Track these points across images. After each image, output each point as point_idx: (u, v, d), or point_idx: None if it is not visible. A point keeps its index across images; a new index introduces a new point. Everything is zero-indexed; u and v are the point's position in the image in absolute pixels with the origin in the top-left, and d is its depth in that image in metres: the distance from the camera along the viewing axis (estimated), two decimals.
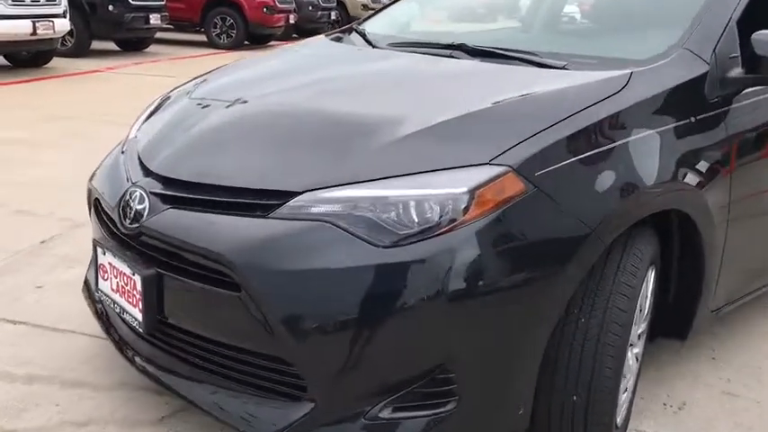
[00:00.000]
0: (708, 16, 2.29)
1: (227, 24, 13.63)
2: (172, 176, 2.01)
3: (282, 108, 2.20)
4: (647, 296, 2.13)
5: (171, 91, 2.75)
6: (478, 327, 1.72)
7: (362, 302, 1.67)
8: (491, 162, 1.76)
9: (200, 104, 2.39)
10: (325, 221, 1.73)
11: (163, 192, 1.98)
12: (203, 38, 14.23)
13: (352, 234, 1.70)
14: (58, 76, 9.21)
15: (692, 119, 2.14)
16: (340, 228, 1.71)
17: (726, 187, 2.22)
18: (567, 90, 2.05)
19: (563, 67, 2.22)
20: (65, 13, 9.32)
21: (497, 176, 1.74)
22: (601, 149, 1.89)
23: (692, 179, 2.10)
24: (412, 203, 1.73)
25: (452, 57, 2.47)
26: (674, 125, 2.09)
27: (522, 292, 1.74)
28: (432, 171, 1.76)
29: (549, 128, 1.85)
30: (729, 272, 2.39)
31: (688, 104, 2.17)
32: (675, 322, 2.39)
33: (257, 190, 1.85)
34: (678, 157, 2.08)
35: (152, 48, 12.70)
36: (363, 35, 2.96)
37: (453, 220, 1.70)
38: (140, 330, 1.97)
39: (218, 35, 13.70)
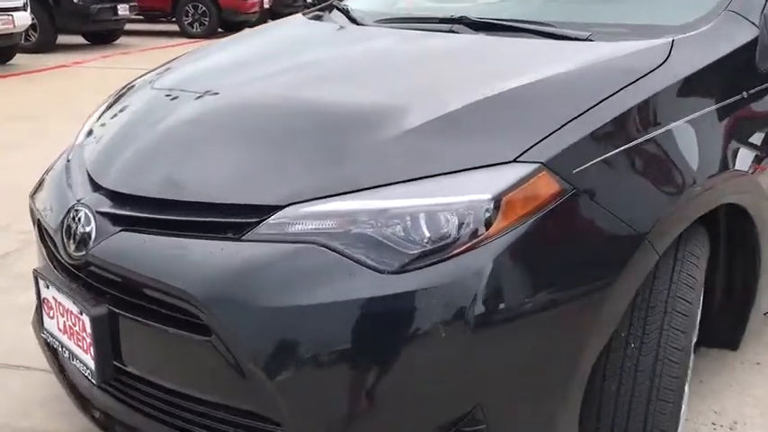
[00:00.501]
0: None
1: (200, 12, 13.13)
2: (124, 191, 1.63)
3: (258, 101, 1.83)
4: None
5: (128, 84, 2.37)
6: (513, 364, 1.39)
7: (366, 346, 1.32)
8: (518, 159, 1.41)
9: (161, 99, 2.01)
10: (314, 243, 1.37)
11: (113, 210, 1.60)
12: (175, 27, 13.72)
13: (349, 257, 1.35)
14: (21, 74, 8.72)
15: (745, 93, 1.81)
16: (333, 250, 1.36)
17: None
18: (598, 66, 1.69)
19: (587, 39, 1.87)
20: (25, 5, 8.80)
21: (528, 177, 1.39)
22: (645, 138, 1.54)
23: (748, 165, 1.76)
24: (422, 216, 1.37)
25: (453, 32, 2.12)
26: (725, 103, 1.74)
27: (561, 320, 1.40)
28: (445, 174, 1.40)
29: (582, 114, 1.50)
30: None
31: (738, 77, 1.83)
32: (723, 330, 2.07)
33: (228, 205, 1.48)
34: (733, 140, 1.74)
35: (121, 40, 12.20)
36: (346, 12, 2.57)
37: (476, 235, 1.35)
38: (93, 381, 1.61)
39: (190, 24, 13.20)
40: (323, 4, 2.91)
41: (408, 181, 1.41)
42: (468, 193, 1.38)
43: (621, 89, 1.58)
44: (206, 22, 13.12)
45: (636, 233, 1.45)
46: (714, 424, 2.13)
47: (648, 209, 1.49)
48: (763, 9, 1.90)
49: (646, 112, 1.58)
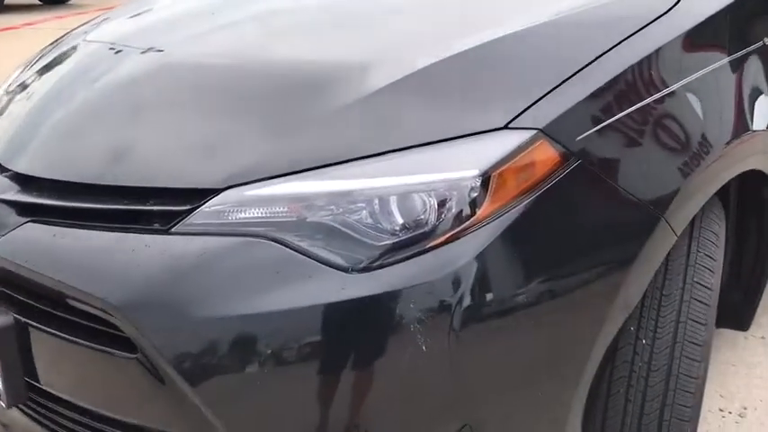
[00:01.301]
0: None
1: None
2: (34, 174, 1.34)
3: (201, 61, 1.51)
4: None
5: (54, 41, 2.06)
6: (508, 376, 1.15)
7: (328, 363, 1.06)
8: (510, 125, 1.14)
9: (86, 58, 1.70)
10: (260, 235, 1.10)
11: (19, 198, 1.32)
12: None
13: (304, 253, 1.08)
14: None
15: (766, 40, 1.56)
16: (283, 244, 1.09)
17: None
18: (597, 12, 1.41)
19: None
20: None
21: (523, 146, 1.12)
22: (659, 96, 1.28)
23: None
24: (393, 198, 1.11)
25: None
26: (743, 52, 1.49)
27: (566, 321, 1.16)
28: (420, 146, 1.13)
29: (583, 69, 1.22)
30: None
31: (758, 21, 1.58)
32: (731, 308, 1.85)
33: (155, 190, 1.20)
34: (753, 96, 1.51)
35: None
36: None
37: (461, 220, 1.10)
38: (2, 404, 1.34)
39: None
40: None
41: (375, 156, 1.13)
42: (449, 169, 1.11)
43: (626, 39, 1.31)
44: None
45: (652, 211, 1.21)
46: (722, 410, 1.93)
47: (664, 182, 1.24)
48: None
49: (660, 64, 1.31)
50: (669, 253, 1.32)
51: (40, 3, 11.02)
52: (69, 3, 11.27)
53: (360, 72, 1.27)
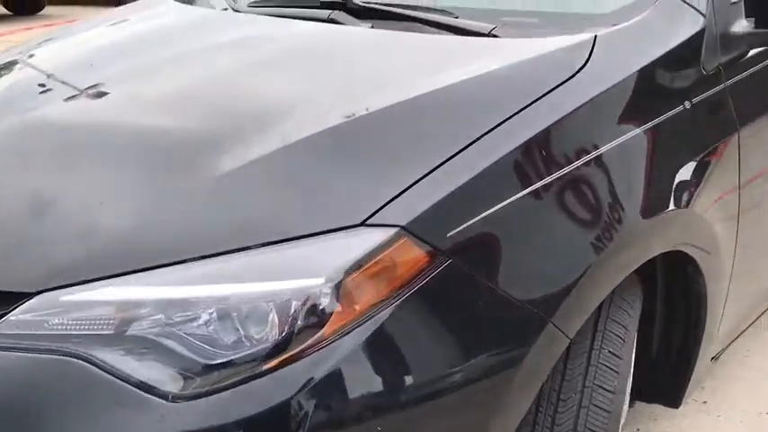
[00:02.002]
0: None
1: None
2: None
3: (57, 124, 1.35)
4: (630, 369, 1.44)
5: None
6: None
7: None
8: (368, 222, 1.00)
9: None
10: (68, 353, 0.94)
11: None
12: None
13: (117, 375, 0.92)
14: None
15: (687, 104, 1.42)
16: (94, 363, 0.93)
17: (735, 200, 1.52)
18: (495, 76, 1.27)
19: (490, 34, 1.46)
20: None
21: (382, 246, 0.97)
22: (552, 179, 1.14)
23: (693, 200, 1.38)
24: (229, 309, 0.96)
25: (332, 21, 1.69)
26: (662, 118, 1.35)
27: None
28: (264, 245, 0.98)
29: (461, 152, 1.09)
30: (735, 305, 1.71)
31: (679, 82, 1.44)
32: (662, 383, 1.71)
33: None
34: (672, 168, 1.36)
35: (48, 9, 11.36)
36: None
37: (306, 336, 0.95)
38: None
39: None
40: None
41: (212, 256, 0.98)
42: (294, 275, 0.96)
43: (523, 109, 1.18)
44: None
45: (536, 314, 1.06)
46: None
47: (553, 282, 1.09)
48: None
49: (551, 145, 1.18)
50: (566, 351, 1.18)
51: (9, 13, 10.82)
52: (40, 13, 11.07)
53: (202, 154, 1.12)
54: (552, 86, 1.23)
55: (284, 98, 1.32)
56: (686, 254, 1.39)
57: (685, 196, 1.36)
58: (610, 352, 1.22)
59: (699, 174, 1.40)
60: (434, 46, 1.47)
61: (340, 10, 1.70)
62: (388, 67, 1.40)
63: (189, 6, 2.07)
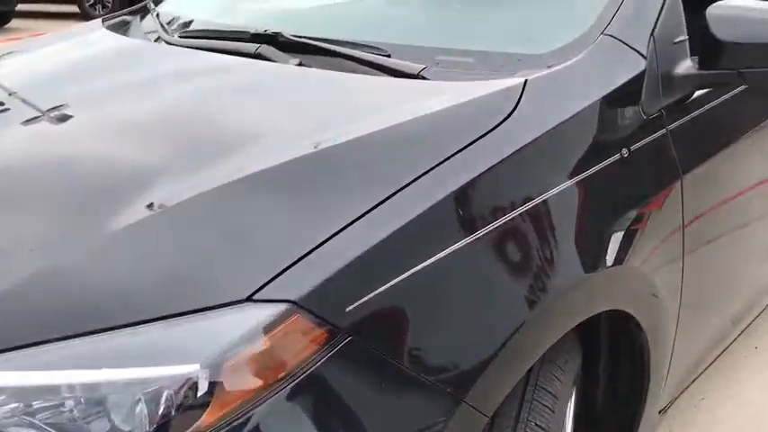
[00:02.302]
0: None
1: None
2: None
3: None
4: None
5: None
6: None
7: None
8: (255, 297, 0.89)
9: None
10: None
11: None
12: (75, 8, 12.73)
13: None
14: None
15: (625, 151, 1.34)
16: None
17: (678, 253, 1.44)
18: (415, 125, 1.18)
19: (418, 75, 1.37)
20: None
21: (271, 324, 0.87)
22: (473, 239, 1.04)
23: (631, 255, 1.30)
24: (95, 400, 0.85)
25: (259, 56, 1.59)
26: (597, 167, 1.27)
27: None
28: (134, 324, 0.87)
29: (371, 211, 0.99)
30: (682, 356, 1.63)
31: (617, 128, 1.35)
32: None
33: None
34: (607, 221, 1.28)
35: (14, 23, 11.16)
36: (151, 21, 2.00)
37: (182, 428, 0.85)
38: None
39: (92, 5, 12.19)
40: (141, 3, 2.34)
41: (76, 336, 0.87)
42: (168, 360, 0.85)
43: (438, 165, 1.08)
44: (109, 4, 12.18)
45: (448, 394, 0.97)
46: None
47: (470, 354, 1.00)
48: (653, 31, 1.44)
49: (475, 199, 1.09)
50: (489, 428, 1.08)
51: None
52: (6, 27, 10.87)
53: (87, 208, 1.02)
54: (474, 138, 1.14)
55: (188, 146, 1.21)
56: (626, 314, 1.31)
57: (623, 251, 1.28)
58: (537, 425, 1.13)
59: (637, 226, 1.32)
60: (357, 87, 1.37)
61: (269, 44, 1.61)
62: (303, 114, 1.30)
63: (118, 36, 1.97)
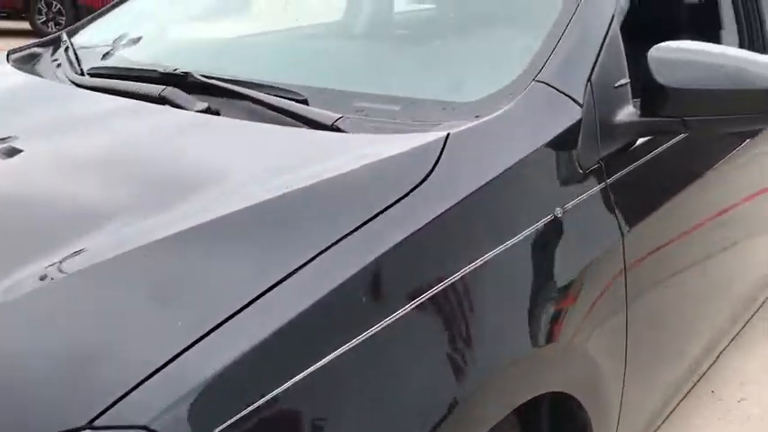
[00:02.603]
0: (575, 24, 1.35)
1: (54, 10, 11.86)
2: None
3: None
4: None
5: None
6: None
7: None
8: (97, 422, 0.73)
9: None
10: None
11: None
12: (28, 26, 12.40)
13: None
14: None
15: (559, 211, 1.22)
16: None
17: (621, 323, 1.31)
18: (317, 192, 1.03)
19: (333, 126, 1.23)
20: None
21: None
22: (383, 325, 0.90)
23: (567, 329, 1.17)
24: None
25: (164, 100, 1.44)
26: (527, 232, 1.15)
27: None
28: None
29: (251, 304, 0.84)
30: (631, 424, 1.51)
31: (550, 184, 1.23)
32: None
33: None
34: (541, 293, 1.15)
35: None
36: (69, 54, 1.84)
37: None
38: None
39: (44, 23, 11.87)
40: (55, 33, 2.17)
41: None
42: None
43: (346, 236, 0.94)
44: (62, 21, 11.88)
45: None
46: None
47: None
48: (590, 76, 1.32)
49: (383, 281, 0.94)
50: None
51: None
52: None
53: None
54: (384, 206, 1.00)
55: (50, 219, 1.05)
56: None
57: (558, 326, 1.15)
58: None
59: (574, 295, 1.19)
60: (259, 142, 1.23)
61: (177, 85, 1.46)
62: (194, 178, 1.14)
63: (21, 73, 1.80)
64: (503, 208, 1.13)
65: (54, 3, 11.87)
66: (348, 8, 1.75)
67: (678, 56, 1.31)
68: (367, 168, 1.07)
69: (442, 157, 1.09)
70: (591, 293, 1.22)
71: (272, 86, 1.39)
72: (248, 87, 1.40)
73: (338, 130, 1.21)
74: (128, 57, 1.75)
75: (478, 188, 1.09)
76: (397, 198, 1.02)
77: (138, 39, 1.90)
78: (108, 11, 2.17)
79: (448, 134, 1.14)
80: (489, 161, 1.14)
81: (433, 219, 1.03)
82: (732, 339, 2.00)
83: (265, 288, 0.85)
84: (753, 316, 2.13)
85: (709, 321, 1.89)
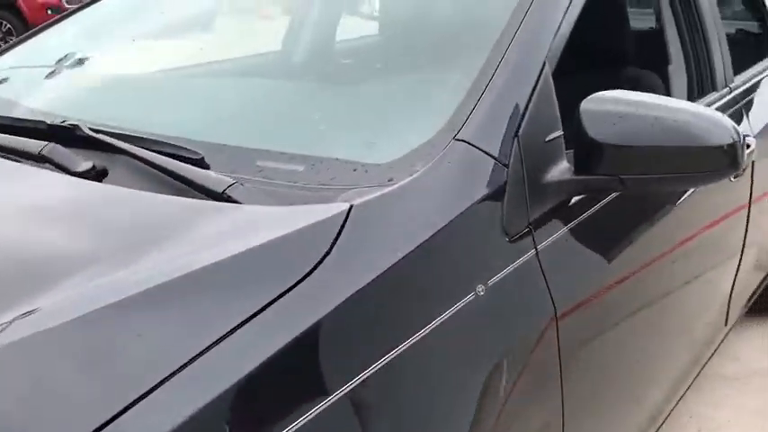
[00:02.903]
0: (501, 74, 1.21)
1: (4, 30, 11.56)
2: None
3: None
4: None
5: None
6: None
7: None
8: None
9: None
10: None
11: None
12: None
13: None
14: None
15: (481, 288, 1.08)
16: None
17: (557, 410, 1.17)
18: (184, 291, 0.87)
19: (223, 195, 1.07)
20: None
21: None
22: None
23: (493, 419, 1.03)
24: None
25: (44, 159, 1.27)
26: (445, 317, 0.99)
27: None
28: None
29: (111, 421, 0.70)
30: None
31: (471, 258, 1.08)
32: None
33: None
34: (459, 388, 1.00)
35: None
36: None
37: None
38: None
39: None
40: None
41: None
42: None
43: (206, 349, 0.79)
44: (12, 39, 11.61)
45: None
46: None
47: None
48: (518, 130, 1.19)
49: (268, 390, 0.80)
50: None
51: None
52: None
53: None
54: (274, 296, 0.85)
55: None
56: None
57: (483, 415, 1.01)
58: None
59: (499, 386, 1.05)
60: (138, 214, 1.07)
61: (63, 139, 1.29)
62: (44, 270, 0.97)
63: None
64: (415, 290, 0.99)
65: (3, 22, 11.55)
66: (253, 49, 1.59)
67: (611, 108, 1.18)
68: (246, 257, 0.91)
69: (341, 237, 0.94)
70: (520, 385, 1.08)
71: (165, 142, 1.23)
72: (140, 142, 1.24)
73: (229, 199, 1.06)
74: (18, 102, 1.58)
75: (385, 270, 0.94)
76: (302, 275, 0.87)
77: (33, 80, 1.73)
78: (14, 45, 2.00)
79: (350, 207, 0.99)
80: (398, 237, 0.99)
81: (328, 314, 0.88)
82: (677, 401, 1.88)
83: (120, 410, 0.69)
84: (703, 368, 2.02)
85: (653, 399, 1.76)
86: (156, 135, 1.27)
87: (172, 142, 1.22)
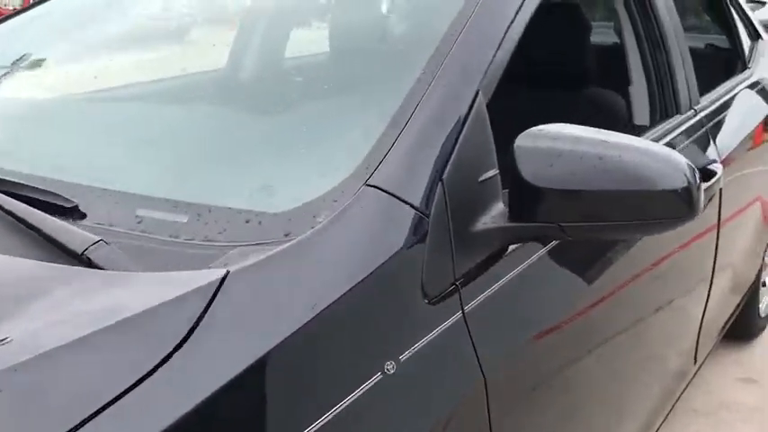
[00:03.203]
0: (424, 108, 1.04)
1: None
2: None
3: None
4: None
5: None
6: None
7: None
8: None
9: None
10: None
11: None
12: None
13: None
14: None
15: (391, 366, 0.91)
16: None
17: None
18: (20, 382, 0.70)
19: (83, 257, 0.86)
20: None
21: None
22: None
23: None
24: None
25: None
26: (345, 405, 0.81)
27: None
28: None
29: None
30: None
31: (380, 330, 0.92)
32: None
33: None
34: None
35: None
36: None
37: None
38: None
39: None
40: None
41: None
42: None
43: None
44: None
45: None
46: None
47: None
48: (443, 173, 1.03)
49: None
50: None
51: None
52: None
53: None
54: (127, 386, 0.68)
55: None
56: None
57: None
58: None
59: None
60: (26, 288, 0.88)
61: None
62: None
63: None
64: (306, 374, 0.81)
65: None
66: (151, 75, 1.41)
67: (548, 145, 1.02)
68: (92, 342, 0.74)
69: (204, 318, 0.76)
70: None
71: (36, 188, 1.05)
72: (10, 186, 1.06)
73: (89, 263, 0.89)
74: None
75: (254, 362, 0.77)
76: (164, 356, 0.70)
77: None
78: None
79: (227, 272, 0.82)
80: (283, 312, 0.82)
81: (194, 408, 0.71)
82: None
83: None
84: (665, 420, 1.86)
85: None
86: (31, 177, 1.09)
87: (45, 187, 1.05)
